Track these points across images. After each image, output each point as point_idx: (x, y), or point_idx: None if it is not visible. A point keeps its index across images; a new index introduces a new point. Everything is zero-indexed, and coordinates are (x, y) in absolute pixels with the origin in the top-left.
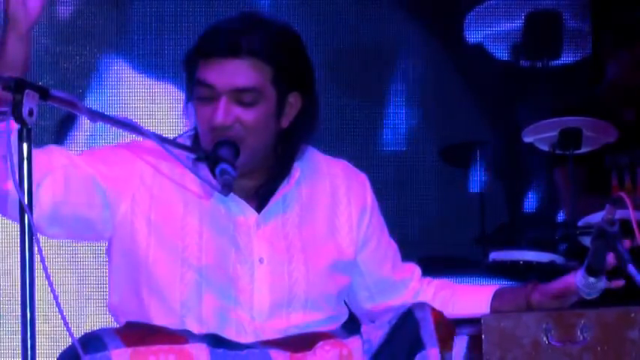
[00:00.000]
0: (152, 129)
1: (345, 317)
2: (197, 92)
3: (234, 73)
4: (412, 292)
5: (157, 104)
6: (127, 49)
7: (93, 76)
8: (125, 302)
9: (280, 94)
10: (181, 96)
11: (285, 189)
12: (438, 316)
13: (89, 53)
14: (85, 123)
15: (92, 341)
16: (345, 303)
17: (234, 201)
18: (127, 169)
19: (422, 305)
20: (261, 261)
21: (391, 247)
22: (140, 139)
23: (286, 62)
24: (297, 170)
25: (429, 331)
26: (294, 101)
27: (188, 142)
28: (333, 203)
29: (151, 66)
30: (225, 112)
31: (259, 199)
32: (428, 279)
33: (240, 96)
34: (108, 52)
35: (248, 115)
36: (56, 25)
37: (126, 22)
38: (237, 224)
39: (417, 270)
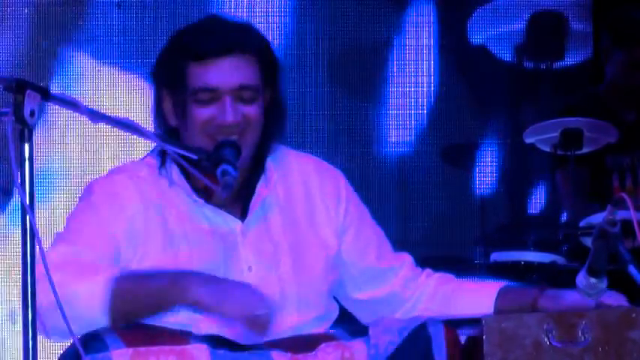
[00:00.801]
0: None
1: (336, 313)
2: (196, 97)
3: (234, 70)
4: (401, 281)
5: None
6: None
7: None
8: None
9: (265, 89)
10: None
11: (263, 192)
12: (451, 333)
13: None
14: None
15: (93, 341)
16: (336, 299)
17: (215, 213)
18: (116, 237)
19: (435, 321)
20: (249, 269)
21: (375, 236)
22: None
23: (267, 57)
24: (274, 172)
25: (441, 348)
26: (269, 96)
27: (157, 158)
28: (309, 200)
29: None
30: (233, 111)
31: (241, 203)
32: (427, 270)
33: (242, 93)
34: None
35: (250, 112)
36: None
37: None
38: (223, 237)
39: (407, 258)
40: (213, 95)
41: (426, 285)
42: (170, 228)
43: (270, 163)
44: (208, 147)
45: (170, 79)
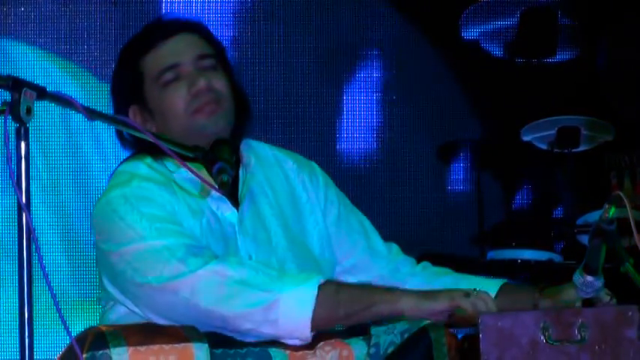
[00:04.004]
0: None
1: None
2: (161, 80)
3: (188, 44)
4: (391, 265)
5: None
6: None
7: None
8: (124, 318)
9: (224, 69)
10: None
11: (245, 178)
12: (452, 339)
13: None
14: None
15: (95, 337)
16: None
17: (216, 202)
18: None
19: (437, 327)
20: (250, 257)
21: (357, 220)
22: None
23: (214, 40)
24: (251, 158)
25: (442, 354)
26: (231, 82)
27: (145, 154)
28: (290, 188)
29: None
30: (202, 76)
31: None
32: (425, 263)
33: (203, 62)
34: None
35: (217, 78)
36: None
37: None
38: (224, 226)
39: (395, 247)
40: (176, 72)
41: (420, 275)
42: (190, 210)
43: (244, 152)
44: (195, 128)
45: (134, 87)
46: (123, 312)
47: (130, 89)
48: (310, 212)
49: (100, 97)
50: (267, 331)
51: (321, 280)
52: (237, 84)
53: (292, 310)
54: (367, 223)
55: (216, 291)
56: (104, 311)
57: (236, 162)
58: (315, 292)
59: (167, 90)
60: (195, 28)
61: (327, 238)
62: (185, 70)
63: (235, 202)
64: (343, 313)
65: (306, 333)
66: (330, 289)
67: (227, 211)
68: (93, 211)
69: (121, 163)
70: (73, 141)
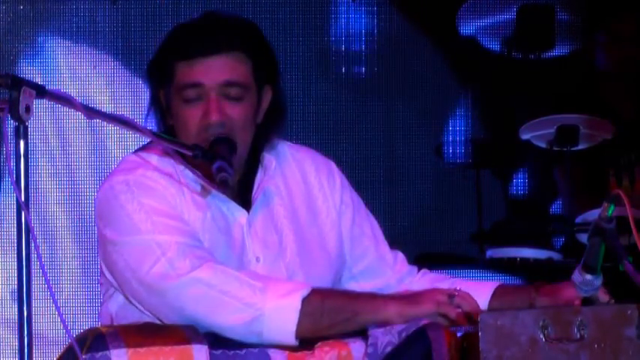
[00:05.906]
0: None
1: None
2: (183, 94)
3: (221, 68)
4: (397, 275)
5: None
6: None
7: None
8: (127, 313)
9: (259, 88)
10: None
11: (263, 182)
12: (451, 337)
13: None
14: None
15: (94, 339)
16: None
17: (224, 202)
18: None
19: (436, 325)
20: (258, 260)
21: (370, 224)
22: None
23: (261, 55)
24: (272, 162)
25: (441, 353)
26: (266, 95)
27: (159, 147)
28: (307, 188)
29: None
30: (217, 109)
31: (242, 195)
32: (424, 270)
33: (228, 90)
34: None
35: (235, 111)
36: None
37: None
38: (232, 226)
39: (401, 255)
40: (199, 92)
41: (421, 282)
42: (194, 210)
43: (266, 154)
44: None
45: (162, 78)
46: (122, 301)
47: (160, 82)
48: (327, 213)
49: (99, 96)
50: (252, 340)
51: (305, 293)
52: (278, 99)
53: (276, 323)
54: (378, 230)
55: (200, 302)
56: (104, 299)
57: (255, 163)
58: (299, 306)
59: (185, 107)
60: (242, 44)
61: (342, 239)
62: (207, 93)
63: (248, 204)
64: (327, 322)
65: (291, 343)
66: (315, 300)
67: (236, 211)
68: (97, 193)
69: (136, 150)
70: (95, 137)
